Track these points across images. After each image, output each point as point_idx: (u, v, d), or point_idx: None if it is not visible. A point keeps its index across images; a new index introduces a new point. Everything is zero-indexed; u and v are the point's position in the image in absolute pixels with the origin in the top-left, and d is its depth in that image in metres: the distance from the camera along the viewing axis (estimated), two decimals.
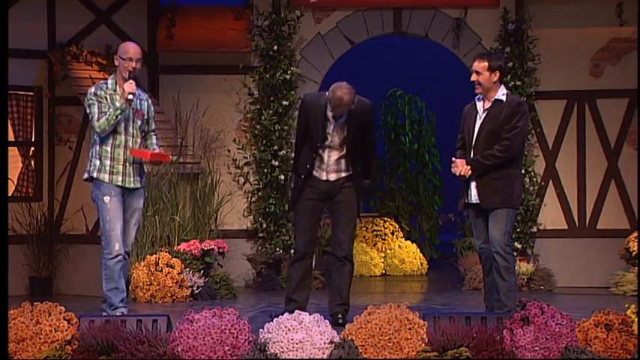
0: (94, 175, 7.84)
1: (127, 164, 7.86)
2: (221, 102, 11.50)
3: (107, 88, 7.85)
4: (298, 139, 8.01)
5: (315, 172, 7.87)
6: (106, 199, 7.80)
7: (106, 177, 7.83)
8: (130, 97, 7.78)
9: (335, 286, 7.92)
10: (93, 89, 7.87)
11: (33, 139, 10.84)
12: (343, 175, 7.86)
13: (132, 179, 7.89)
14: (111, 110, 7.75)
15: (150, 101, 8.11)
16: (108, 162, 7.83)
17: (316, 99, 7.90)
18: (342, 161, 7.86)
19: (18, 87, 10.69)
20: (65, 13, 10.82)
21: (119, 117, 7.76)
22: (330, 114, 7.78)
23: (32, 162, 10.83)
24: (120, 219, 7.82)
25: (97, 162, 7.84)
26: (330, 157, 7.85)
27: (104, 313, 7.72)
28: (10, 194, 10.69)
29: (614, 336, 6.25)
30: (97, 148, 7.85)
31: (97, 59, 10.82)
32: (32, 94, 10.79)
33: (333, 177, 7.87)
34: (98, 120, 7.76)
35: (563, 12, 11.26)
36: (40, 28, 10.73)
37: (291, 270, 8.06)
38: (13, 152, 10.78)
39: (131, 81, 7.81)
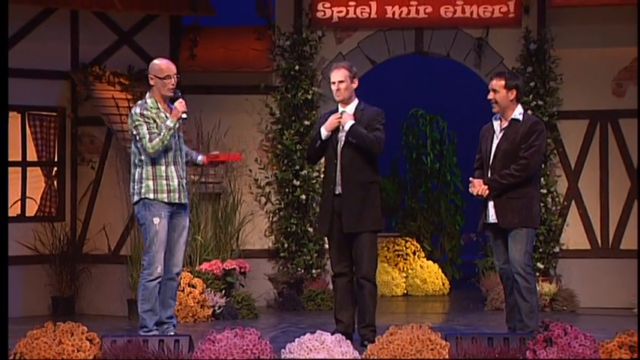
0: (150, 196, 7.71)
1: (180, 179, 7.80)
2: (243, 122, 11.52)
3: (150, 107, 7.75)
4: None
5: (333, 186, 7.92)
6: (156, 220, 7.71)
7: (164, 196, 7.73)
8: (184, 115, 7.72)
9: (359, 308, 7.97)
10: (138, 109, 7.75)
11: (56, 159, 10.89)
12: (346, 185, 7.84)
13: (184, 194, 7.83)
14: (164, 130, 7.66)
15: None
16: (164, 181, 7.73)
17: (327, 112, 8.13)
18: (347, 170, 7.86)
19: (41, 107, 10.76)
20: (88, 33, 10.89)
21: (171, 136, 7.72)
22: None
23: (55, 182, 10.88)
24: (165, 241, 7.75)
25: (151, 182, 7.72)
26: (337, 166, 7.88)
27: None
28: (33, 214, 10.76)
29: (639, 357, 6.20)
30: (150, 168, 7.72)
31: (119, 79, 10.88)
32: (55, 114, 10.85)
33: (339, 190, 7.90)
34: (151, 141, 7.65)
35: (585, 32, 11.24)
36: (63, 49, 10.80)
37: (333, 290, 8.17)
38: (36, 172, 10.83)
39: (181, 99, 7.75)
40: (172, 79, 7.75)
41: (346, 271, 7.97)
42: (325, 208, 7.99)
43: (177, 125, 7.72)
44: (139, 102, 7.85)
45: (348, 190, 7.85)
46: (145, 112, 7.72)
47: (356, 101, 8.04)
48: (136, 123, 7.70)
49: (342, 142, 7.91)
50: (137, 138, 7.71)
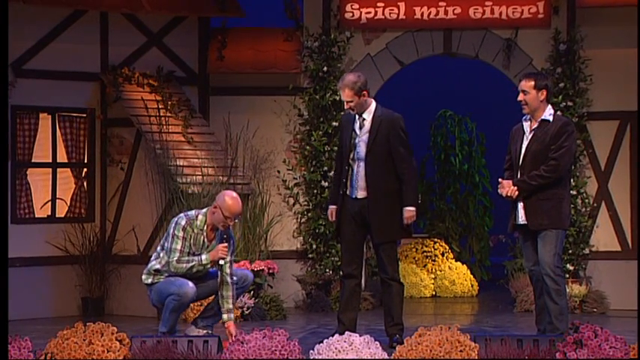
0: (150, 280, 7.82)
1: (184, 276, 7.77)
2: (271, 123, 11.54)
3: (197, 226, 7.64)
4: (336, 158, 8.20)
5: (347, 190, 7.92)
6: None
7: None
8: (222, 262, 7.66)
9: (386, 308, 8.02)
10: (184, 222, 7.63)
11: (85, 161, 10.94)
12: (372, 193, 7.85)
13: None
14: (195, 263, 7.59)
15: (232, 233, 7.87)
16: (163, 276, 7.79)
17: (348, 114, 8.06)
18: (371, 178, 7.86)
19: (71, 109, 10.82)
20: (118, 35, 10.94)
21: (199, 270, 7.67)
22: (356, 126, 7.89)
23: (85, 183, 10.94)
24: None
25: (155, 272, 7.80)
26: (359, 172, 7.88)
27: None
28: (63, 215, 10.81)
29: None
30: (164, 264, 7.70)
31: (148, 81, 10.92)
32: (85, 115, 10.91)
33: (361, 194, 7.89)
34: (178, 262, 7.60)
35: (615, 32, 11.17)
36: (93, 51, 10.85)
37: (340, 290, 8.16)
38: (66, 173, 10.89)
39: (225, 244, 7.63)
40: (231, 222, 7.66)
41: (355, 274, 8.00)
42: (341, 210, 7.98)
43: (208, 266, 7.66)
44: (189, 214, 7.73)
45: (374, 199, 7.86)
46: (187, 229, 7.62)
47: (373, 106, 7.97)
48: (175, 233, 7.62)
49: (359, 147, 7.89)
50: (169, 247, 7.64)
